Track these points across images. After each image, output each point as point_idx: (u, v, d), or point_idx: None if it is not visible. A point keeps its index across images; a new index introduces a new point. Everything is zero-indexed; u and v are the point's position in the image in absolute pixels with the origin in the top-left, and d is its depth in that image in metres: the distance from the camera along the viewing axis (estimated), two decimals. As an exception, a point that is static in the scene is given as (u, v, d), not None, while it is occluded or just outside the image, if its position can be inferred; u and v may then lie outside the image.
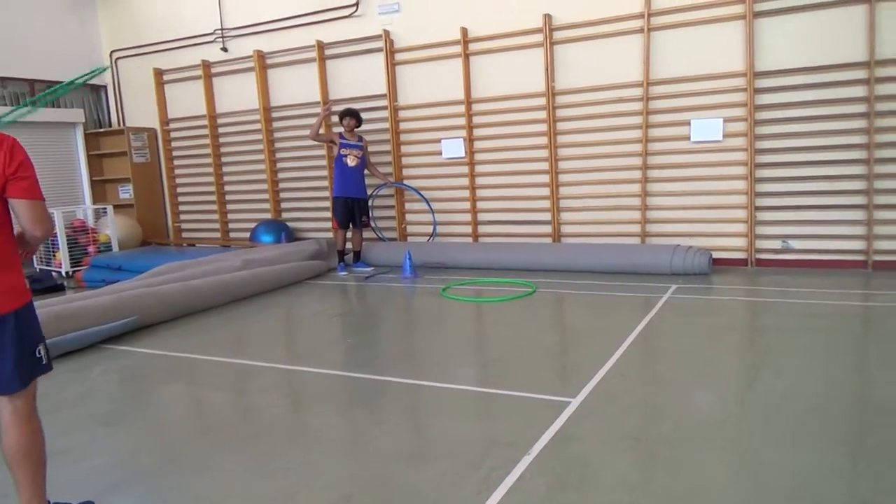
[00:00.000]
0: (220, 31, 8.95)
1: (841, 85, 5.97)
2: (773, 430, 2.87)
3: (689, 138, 6.55)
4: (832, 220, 6.18)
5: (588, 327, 4.97)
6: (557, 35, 7.01)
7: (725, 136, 6.41)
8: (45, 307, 4.73)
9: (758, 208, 6.41)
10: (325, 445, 2.96)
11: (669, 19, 6.49)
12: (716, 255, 6.51)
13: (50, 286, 7.16)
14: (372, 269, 7.47)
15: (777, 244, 6.42)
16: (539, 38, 7.05)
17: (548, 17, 6.95)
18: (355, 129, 7.45)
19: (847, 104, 5.98)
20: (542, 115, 7.16)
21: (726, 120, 6.39)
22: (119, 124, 10.07)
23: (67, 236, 8.13)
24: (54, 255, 8.19)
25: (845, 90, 5.97)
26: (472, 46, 7.45)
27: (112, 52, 9.95)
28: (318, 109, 8.09)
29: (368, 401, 3.55)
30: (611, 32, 6.76)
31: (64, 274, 7.99)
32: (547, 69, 7.03)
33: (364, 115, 7.61)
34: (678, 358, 4.04)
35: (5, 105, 8.94)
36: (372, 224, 8.03)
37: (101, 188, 9.95)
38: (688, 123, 6.52)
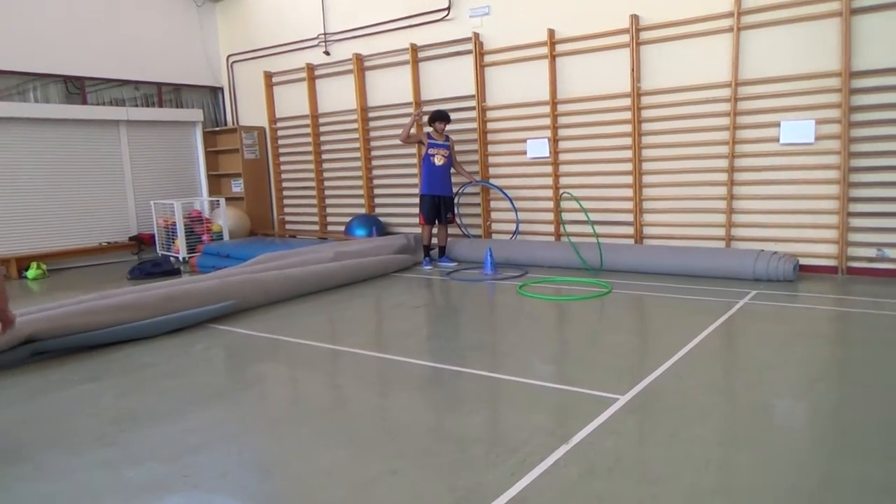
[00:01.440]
0: (323, 36, 9.54)
1: (949, 85, 5.64)
2: (816, 441, 2.91)
3: (778, 140, 6.38)
4: (935, 229, 5.84)
5: (656, 329, 5.04)
6: (644, 35, 7.00)
7: (817, 138, 6.19)
8: (157, 289, 5.37)
9: (850, 214, 6.15)
10: (382, 423, 3.28)
11: (760, 18, 6.34)
12: (804, 261, 6.32)
13: (168, 270, 7.99)
14: (455, 264, 7.78)
15: (871, 252, 6.13)
16: (626, 38, 7.07)
17: (635, 18, 6.96)
18: (444, 130, 7.78)
19: (955, 105, 5.64)
20: (627, 115, 7.17)
21: (819, 121, 6.17)
22: (233, 123, 10.95)
23: (185, 225, 8.98)
24: (174, 242, 9.08)
25: (954, 91, 5.63)
26: (559, 48, 7.57)
27: (228, 56, 10.82)
28: (411, 110, 8.49)
29: (429, 386, 3.84)
30: (699, 32, 6.68)
31: (181, 259, 8.85)
32: (633, 70, 7.04)
33: (453, 116, 7.92)
34: (738, 363, 4.06)
35: (137, 105, 9.98)
36: (457, 221, 8.33)
37: (216, 182, 10.88)
38: (777, 125, 6.35)
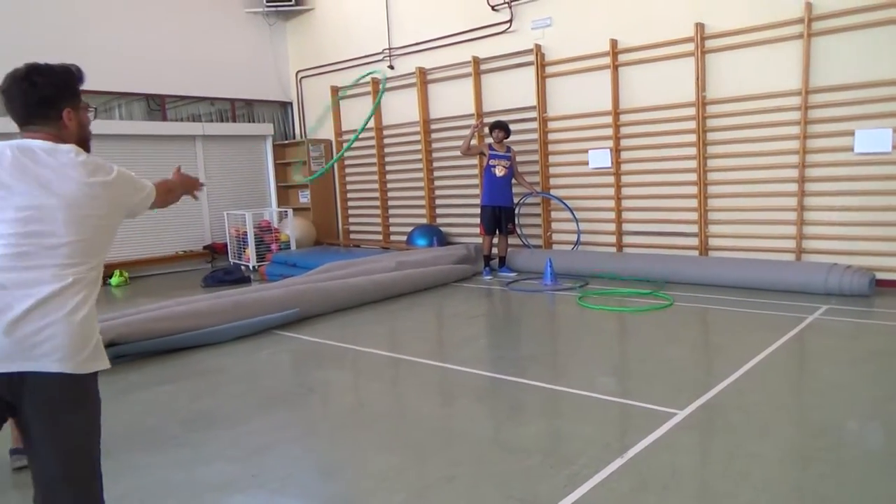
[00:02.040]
0: (387, 51, 9.77)
1: None
2: (883, 463, 2.81)
3: (852, 149, 6.13)
4: None
5: (719, 343, 4.93)
6: (710, 44, 6.87)
7: (895, 147, 5.92)
8: (229, 296, 5.63)
9: (932, 226, 5.85)
10: (440, 431, 3.36)
11: (832, 23, 6.12)
12: (881, 276, 6.04)
13: (239, 277, 8.33)
14: (515, 274, 7.80)
15: (956, 266, 5.81)
16: (690, 47, 6.95)
17: (700, 27, 6.84)
18: (504, 140, 7.83)
19: None
20: (692, 125, 7.05)
21: (896, 130, 5.91)
22: (301, 136, 11.33)
23: (255, 235, 9.35)
24: (244, 251, 9.47)
25: None
26: (622, 58, 7.51)
27: (297, 72, 11.22)
28: (472, 121, 8.58)
29: (487, 395, 3.90)
30: (767, 39, 6.50)
31: (251, 267, 9.21)
32: (698, 79, 6.92)
33: (514, 127, 7.96)
34: (804, 381, 3.94)
35: (211, 121, 10.48)
36: (517, 231, 8.36)
37: (284, 193, 11.26)
38: (851, 134, 6.10)
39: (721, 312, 5.64)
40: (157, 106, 9.98)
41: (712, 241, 7.14)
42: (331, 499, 2.70)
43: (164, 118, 10.00)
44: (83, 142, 2.01)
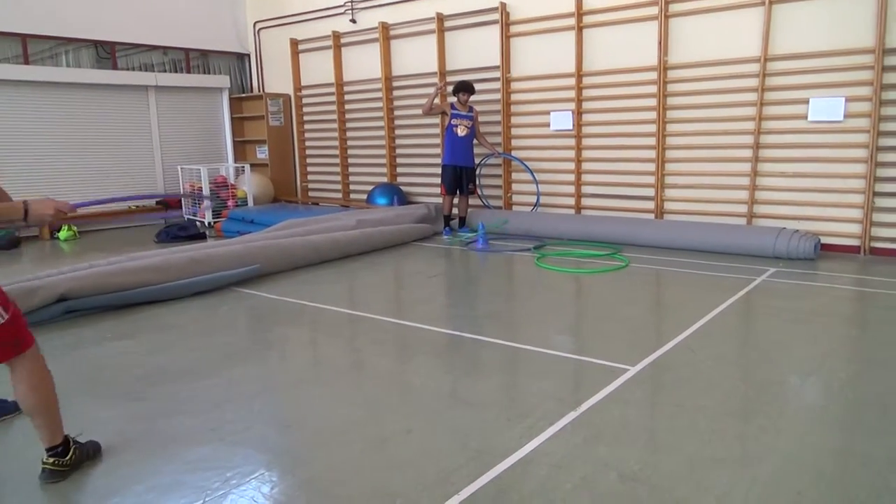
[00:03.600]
0: (349, 4, 9.53)
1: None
2: (819, 415, 2.97)
3: (806, 117, 6.29)
4: (962, 210, 5.77)
5: (671, 303, 5.09)
6: (673, 7, 6.90)
7: (847, 116, 6.10)
8: (184, 252, 5.54)
9: (877, 194, 6.08)
10: (399, 386, 3.41)
11: (793, -8, 6.21)
12: (826, 240, 6.28)
13: (194, 234, 8.17)
14: (474, 234, 7.83)
15: (895, 233, 6.07)
16: (654, 10, 6.97)
17: (664, -10, 6.86)
18: (468, 101, 7.78)
19: None
20: (653, 89, 7.12)
21: (849, 99, 6.07)
22: (259, 90, 11.03)
23: (211, 191, 9.15)
24: (199, 207, 9.26)
25: None
26: (586, 19, 7.49)
27: (255, 23, 10.86)
28: (435, 80, 8.49)
29: (445, 351, 3.96)
30: (730, 5, 6.57)
31: (206, 224, 9.03)
32: (660, 43, 6.96)
33: (477, 87, 7.91)
34: (750, 339, 4.11)
35: (165, 71, 10.11)
36: (478, 192, 8.38)
37: (241, 148, 11.01)
38: (806, 102, 6.26)
39: (674, 274, 5.80)
40: (106, 54, 9.57)
41: (668, 205, 7.30)
42: (289, 450, 2.73)
43: (115, 67, 9.61)
44: None
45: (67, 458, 2.49)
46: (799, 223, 6.40)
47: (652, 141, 7.22)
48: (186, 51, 10.38)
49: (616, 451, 2.60)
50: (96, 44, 9.41)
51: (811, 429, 2.80)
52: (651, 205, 7.36)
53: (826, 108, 6.18)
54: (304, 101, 10.55)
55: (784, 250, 6.00)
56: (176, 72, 10.31)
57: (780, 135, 6.51)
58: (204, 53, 10.67)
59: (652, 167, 7.28)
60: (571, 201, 7.96)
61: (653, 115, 7.16)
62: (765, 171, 6.63)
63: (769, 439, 2.70)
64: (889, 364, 3.56)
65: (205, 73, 10.70)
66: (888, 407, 3.00)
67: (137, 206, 9.69)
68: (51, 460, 2.45)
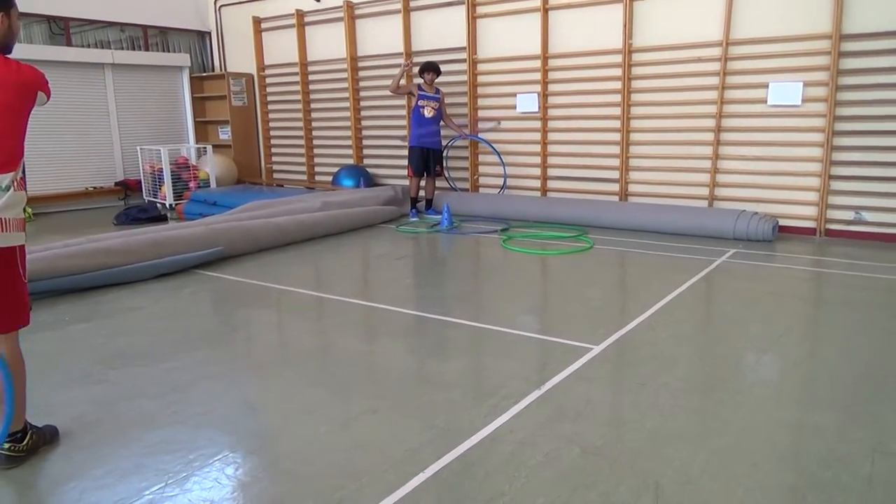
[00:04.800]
0: (313, -18, 9.35)
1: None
2: (773, 391, 3.07)
3: (765, 101, 6.41)
4: (912, 193, 5.96)
5: (633, 284, 5.18)
6: (638, -9, 6.94)
7: (804, 100, 6.23)
8: (145, 234, 5.42)
9: (832, 177, 6.25)
10: (364, 367, 3.41)
11: (754, -23, 6.30)
12: (784, 223, 6.44)
13: (155, 216, 8.00)
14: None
15: (849, 215, 6.26)
16: (619, -7, 7.01)
17: (629, -27, 6.89)
18: (434, 82, 7.73)
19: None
20: (618, 72, 7.16)
21: (807, 84, 6.21)
22: (221, 69, 10.78)
23: (172, 172, 8.94)
24: (160, 189, 9.06)
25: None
26: (552, 1, 7.48)
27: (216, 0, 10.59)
28: (401, 60, 8.41)
29: (411, 333, 3.97)
30: (693, -11, 6.63)
31: (168, 206, 8.84)
32: (625, 26, 7.00)
33: (443, 68, 7.86)
34: (709, 318, 4.21)
35: (122, 49, 9.81)
36: (445, 174, 8.36)
37: (203, 129, 10.77)
38: (766, 86, 6.38)
39: (637, 255, 5.89)
40: (60, 30, 9.23)
41: (632, 188, 7.38)
42: (254, 432, 2.71)
43: (69, 43, 9.28)
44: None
45: (24, 443, 2.43)
46: (758, 206, 6.54)
47: (616, 124, 7.29)
48: (144, 27, 10.07)
49: (579, 428, 2.65)
50: (49, 19, 9.07)
51: (766, 403, 2.89)
52: (615, 187, 7.44)
53: (785, 92, 6.30)
54: (268, 80, 10.35)
55: (744, 232, 6.14)
56: (134, 49, 10.01)
57: (740, 118, 6.62)
58: (163, 31, 10.37)
59: (616, 150, 7.35)
60: (537, 184, 8.00)
61: (617, 98, 7.22)
62: (726, 155, 6.75)
63: (727, 413, 2.78)
64: (840, 341, 3.68)
65: (164, 51, 10.41)
66: (838, 382, 3.11)
67: (95, 188, 9.44)
68: (7, 445, 2.40)
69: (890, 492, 2.19)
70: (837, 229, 6.33)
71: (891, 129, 5.92)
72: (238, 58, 10.56)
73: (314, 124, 9.94)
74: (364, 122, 9.40)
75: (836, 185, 6.26)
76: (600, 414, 2.79)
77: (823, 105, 6.16)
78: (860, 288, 4.70)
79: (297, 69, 9.78)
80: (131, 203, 9.18)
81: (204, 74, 10.70)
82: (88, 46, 9.51)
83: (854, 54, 5.98)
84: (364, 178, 8.89)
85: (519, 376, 3.18)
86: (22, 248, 2.37)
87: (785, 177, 6.49)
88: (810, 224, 6.44)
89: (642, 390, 3.01)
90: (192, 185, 9.09)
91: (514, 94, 7.93)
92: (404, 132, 8.45)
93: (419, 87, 7.73)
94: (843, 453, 2.42)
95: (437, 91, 7.77)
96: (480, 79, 8.21)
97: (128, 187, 9.63)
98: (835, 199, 6.30)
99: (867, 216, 6.18)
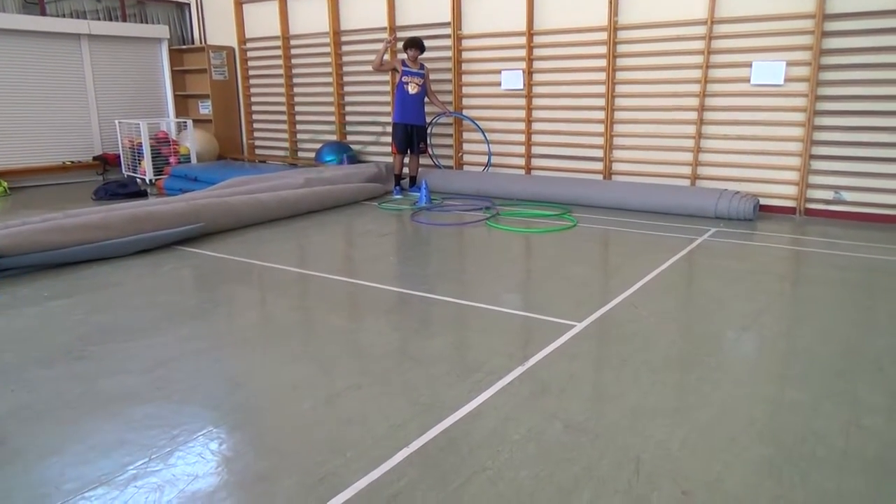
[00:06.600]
0: (295, -47, 9.17)
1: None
2: (752, 367, 3.12)
3: (749, 81, 6.43)
4: (890, 174, 6.03)
5: (616, 262, 5.21)
6: (624, -33, 6.89)
7: (787, 80, 6.26)
8: (123, 209, 5.34)
9: (812, 157, 6.31)
10: (349, 344, 3.41)
11: (740, -45, 6.28)
12: (765, 202, 6.51)
13: (134, 191, 7.89)
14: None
15: (829, 194, 6.33)
16: (605, -31, 6.95)
17: (616, -51, 6.83)
18: (418, 58, 7.65)
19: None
20: (603, 49, 7.14)
21: (790, 63, 6.23)
22: (201, 42, 10.58)
23: (151, 147, 8.81)
24: (139, 163, 8.92)
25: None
26: (538, -24, 7.42)
27: (195, -30, 10.36)
28: (385, 36, 8.30)
29: (395, 310, 3.96)
30: (679, -34, 6.60)
31: (147, 181, 8.72)
32: (611, 3, 6.96)
33: (428, 44, 7.78)
34: (691, 296, 4.26)
35: (98, 19, 9.58)
36: (429, 151, 8.31)
37: (183, 103, 10.59)
38: (749, 65, 6.39)
39: (621, 233, 5.92)
40: (33, -1, 8.99)
41: (616, 166, 7.40)
42: (237, 407, 2.71)
43: (43, 13, 9.04)
44: None
45: None
46: (739, 185, 6.59)
47: (601, 102, 7.28)
48: (122, -2, 9.85)
49: (562, 403, 2.68)
50: (22, -13, 8.83)
51: (745, 380, 2.94)
52: (599, 165, 7.45)
53: (768, 71, 6.33)
54: (249, 54, 10.19)
55: (725, 211, 6.19)
56: (111, 20, 9.77)
57: (723, 97, 6.64)
58: (140, 1, 10.13)
59: (601, 128, 7.35)
60: (522, 161, 7.99)
61: (602, 76, 7.20)
62: (708, 134, 6.78)
63: (707, 389, 2.82)
64: (818, 319, 3.75)
65: (142, 22, 10.18)
66: (815, 359, 3.17)
67: (73, 162, 9.27)
68: None
69: (864, 465, 2.24)
70: (817, 209, 6.41)
71: (871, 109, 5.98)
72: (218, 30, 10.37)
73: (297, 100, 9.81)
74: (347, 98, 9.30)
75: (817, 164, 6.33)
76: (583, 390, 2.82)
77: (805, 85, 6.20)
78: (839, 267, 4.78)
79: (278, 43, 9.63)
80: (110, 178, 9.05)
81: (183, 47, 10.49)
82: (63, 16, 9.27)
83: (837, 34, 6.01)
84: (347, 154, 8.81)
85: (502, 353, 3.20)
86: None
87: (766, 156, 6.54)
88: (790, 203, 6.51)
89: (624, 367, 3.05)
90: (172, 160, 8.96)
91: (499, 71, 7.88)
92: (388, 118, 8.34)
93: (403, 63, 7.65)
94: (819, 428, 2.48)
95: (422, 67, 7.70)
96: (465, 55, 8.14)
97: (106, 162, 9.47)
98: (815, 179, 6.37)
99: (846, 196, 6.25)
